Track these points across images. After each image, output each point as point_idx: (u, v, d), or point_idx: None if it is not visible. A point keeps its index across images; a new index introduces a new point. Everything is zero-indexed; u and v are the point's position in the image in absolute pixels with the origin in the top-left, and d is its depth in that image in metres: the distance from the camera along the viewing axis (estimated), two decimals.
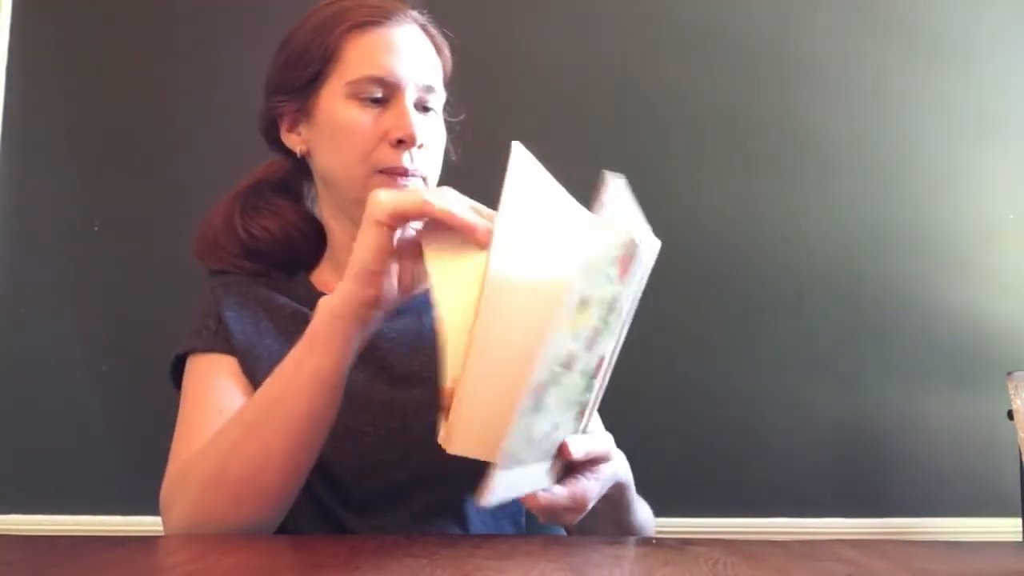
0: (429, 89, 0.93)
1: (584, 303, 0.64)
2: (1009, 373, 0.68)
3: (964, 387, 1.86)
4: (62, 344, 1.83)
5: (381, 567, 0.61)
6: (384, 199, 0.73)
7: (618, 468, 0.78)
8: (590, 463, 0.74)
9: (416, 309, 0.96)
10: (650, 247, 0.69)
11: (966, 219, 1.92)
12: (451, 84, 1.00)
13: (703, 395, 1.83)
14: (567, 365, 0.65)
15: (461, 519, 0.90)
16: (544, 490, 0.71)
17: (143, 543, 0.74)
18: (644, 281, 0.71)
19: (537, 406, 0.64)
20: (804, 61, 1.92)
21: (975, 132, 1.94)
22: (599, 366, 0.70)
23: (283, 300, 0.97)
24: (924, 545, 0.76)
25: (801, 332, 1.86)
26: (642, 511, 0.90)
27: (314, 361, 0.77)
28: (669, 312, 1.78)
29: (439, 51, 0.97)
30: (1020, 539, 1.68)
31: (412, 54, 0.93)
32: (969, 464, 1.85)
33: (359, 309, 0.76)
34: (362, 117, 0.90)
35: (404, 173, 0.90)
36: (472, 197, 0.76)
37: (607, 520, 0.84)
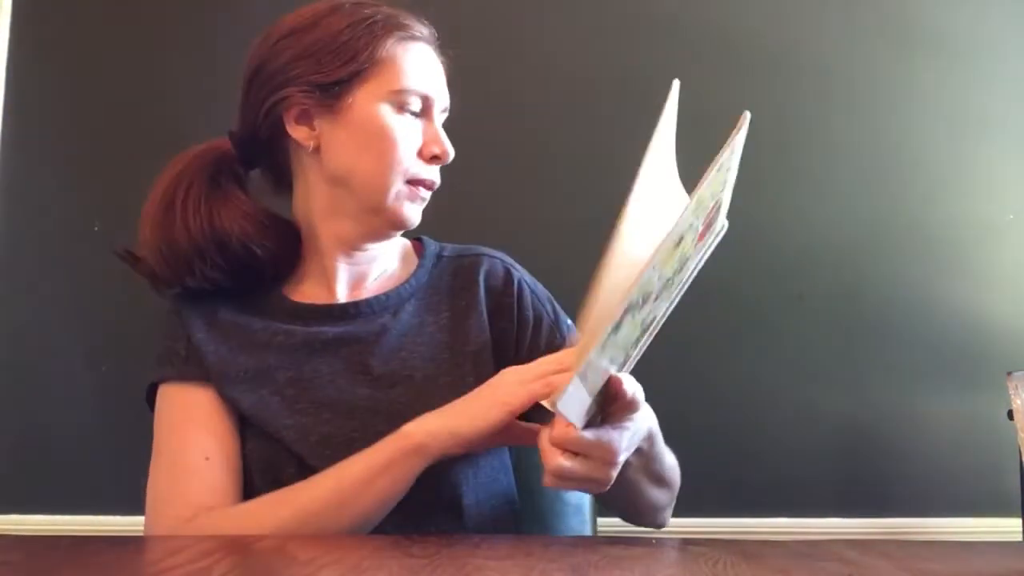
0: (446, 110, 0.98)
1: (678, 243, 0.65)
2: (1009, 373, 0.69)
3: (964, 387, 1.86)
4: (62, 344, 1.83)
5: (381, 567, 0.61)
6: (521, 391, 0.78)
7: (647, 420, 0.79)
8: (622, 413, 0.73)
9: (392, 307, 0.96)
10: (723, 226, 0.69)
11: (966, 219, 1.92)
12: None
13: (703, 395, 1.83)
14: (644, 300, 0.66)
15: (458, 513, 0.90)
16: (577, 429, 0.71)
17: (143, 543, 0.74)
18: (701, 264, 0.71)
19: (616, 327, 0.65)
20: (804, 61, 1.92)
21: (975, 132, 1.94)
22: (650, 325, 0.72)
23: (253, 318, 0.95)
24: (924, 545, 0.76)
25: (801, 332, 1.86)
26: (669, 456, 0.92)
27: (385, 484, 0.81)
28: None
29: (446, 70, 0.99)
30: (1020, 539, 1.68)
31: (441, 74, 0.97)
32: (969, 464, 1.85)
33: (446, 453, 0.81)
34: (404, 126, 0.92)
35: (431, 187, 0.95)
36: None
37: (640, 471, 0.86)
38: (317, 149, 0.93)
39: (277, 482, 0.86)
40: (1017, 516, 1.67)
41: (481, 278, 0.99)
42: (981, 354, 1.85)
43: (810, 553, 0.67)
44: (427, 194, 0.95)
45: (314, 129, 0.93)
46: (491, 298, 0.98)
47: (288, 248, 0.98)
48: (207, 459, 0.88)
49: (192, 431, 0.90)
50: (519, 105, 1.89)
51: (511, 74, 1.91)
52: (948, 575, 0.61)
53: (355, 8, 0.94)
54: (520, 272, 1.02)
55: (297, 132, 0.93)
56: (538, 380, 0.78)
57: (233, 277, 0.95)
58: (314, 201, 0.96)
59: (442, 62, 0.98)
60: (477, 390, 0.82)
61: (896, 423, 1.86)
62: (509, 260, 1.03)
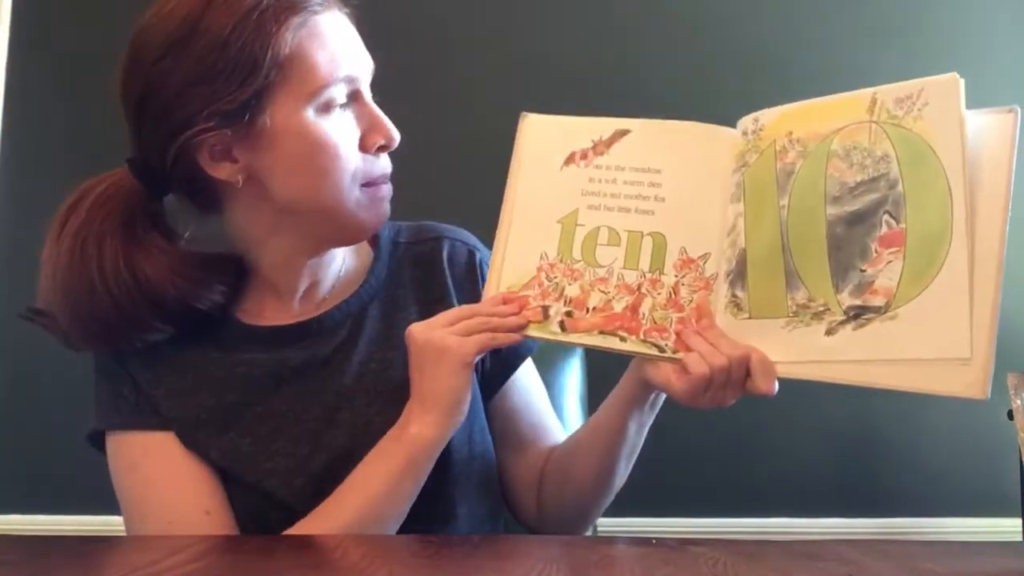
0: (372, 70, 0.83)
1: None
2: (1009, 373, 0.69)
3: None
4: (62, 344, 1.83)
5: (381, 567, 0.61)
6: (470, 345, 0.75)
7: None
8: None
9: (355, 314, 0.88)
10: None
11: None
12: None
13: None
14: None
15: (453, 523, 0.86)
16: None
17: (142, 543, 0.74)
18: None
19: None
20: (802, 61, 1.92)
21: None
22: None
23: (205, 349, 0.84)
24: (924, 545, 0.76)
25: None
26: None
27: (410, 487, 0.78)
28: None
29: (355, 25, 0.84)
30: (1020, 539, 1.68)
31: (355, 36, 0.81)
32: (969, 464, 1.85)
33: (450, 434, 0.79)
34: (337, 127, 0.78)
35: (387, 179, 0.83)
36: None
37: (637, 432, 0.86)
38: (249, 179, 0.79)
39: (265, 532, 0.80)
40: (1017, 516, 1.67)
41: (445, 264, 0.91)
42: None
43: (810, 553, 0.67)
44: (388, 189, 0.83)
45: (237, 161, 0.78)
46: (457, 283, 0.90)
47: (231, 279, 0.86)
48: (208, 513, 0.79)
49: (178, 483, 0.80)
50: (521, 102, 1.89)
51: (511, 69, 1.91)
52: (948, 575, 0.61)
53: (228, 2, 0.76)
54: (482, 251, 0.94)
55: (219, 171, 0.79)
56: (465, 330, 0.76)
57: (177, 328, 0.83)
58: (256, 224, 0.84)
59: (347, 13, 0.82)
60: (419, 364, 0.77)
61: (896, 423, 1.86)
62: (471, 239, 0.95)
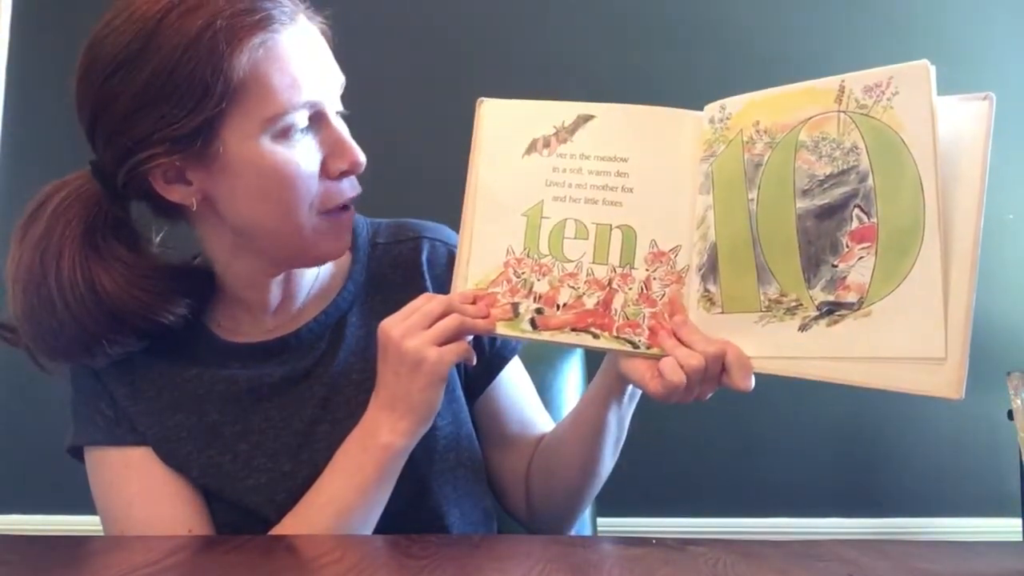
0: (342, 85, 0.79)
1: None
2: (1009, 373, 0.69)
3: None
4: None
5: (381, 567, 0.61)
6: (449, 356, 0.74)
7: None
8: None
9: (332, 324, 0.86)
10: None
11: None
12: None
13: None
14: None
15: (445, 529, 0.86)
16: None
17: (142, 543, 0.74)
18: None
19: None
20: (802, 60, 1.92)
21: None
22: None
23: (182, 365, 0.83)
24: (924, 545, 0.76)
25: None
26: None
27: (382, 497, 0.77)
28: None
29: (326, 36, 0.79)
30: (1020, 539, 1.68)
31: (323, 52, 0.77)
32: (969, 464, 1.85)
33: (417, 440, 0.77)
34: (296, 155, 0.74)
35: (348, 206, 0.80)
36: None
37: (619, 422, 0.85)
38: (205, 201, 0.76)
39: None
40: (1017, 516, 1.67)
41: (425, 266, 0.88)
42: (981, 354, 1.84)
43: (810, 553, 0.67)
44: (350, 215, 0.80)
45: (191, 183, 0.75)
46: (437, 285, 0.87)
47: (201, 291, 0.84)
48: (190, 531, 0.79)
49: (160, 500, 0.79)
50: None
51: (511, 69, 1.91)
52: (948, 575, 0.61)
53: (185, 16, 0.70)
54: None
55: (172, 193, 0.76)
56: (443, 336, 0.74)
57: (146, 340, 0.81)
58: (217, 244, 0.82)
59: (319, 23, 0.78)
60: (394, 368, 0.74)
61: (896, 423, 1.86)
62: (451, 238, 0.90)
